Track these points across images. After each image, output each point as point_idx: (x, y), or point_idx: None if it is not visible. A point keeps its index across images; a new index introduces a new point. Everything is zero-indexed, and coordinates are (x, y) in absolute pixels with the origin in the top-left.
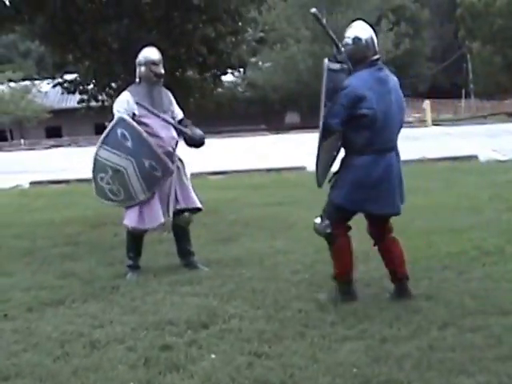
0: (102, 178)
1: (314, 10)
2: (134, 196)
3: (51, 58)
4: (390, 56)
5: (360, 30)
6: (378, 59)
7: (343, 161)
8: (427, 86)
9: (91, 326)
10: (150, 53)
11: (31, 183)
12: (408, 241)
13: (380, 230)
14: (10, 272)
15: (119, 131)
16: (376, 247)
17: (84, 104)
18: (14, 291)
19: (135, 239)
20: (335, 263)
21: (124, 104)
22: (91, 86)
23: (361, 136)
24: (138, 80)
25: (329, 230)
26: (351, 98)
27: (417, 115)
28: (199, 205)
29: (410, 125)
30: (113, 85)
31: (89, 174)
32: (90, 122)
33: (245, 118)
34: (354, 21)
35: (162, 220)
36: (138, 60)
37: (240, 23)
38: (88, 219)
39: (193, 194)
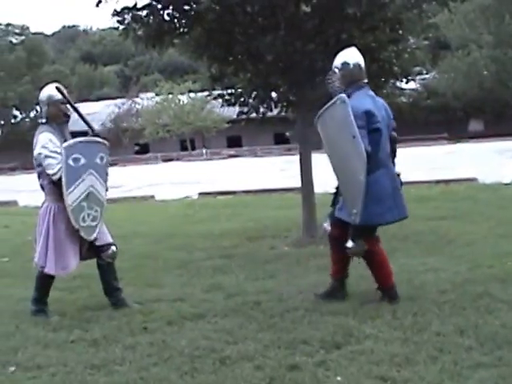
0: (83, 219)
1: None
2: (104, 202)
3: (209, 70)
4: None
5: (349, 55)
6: (367, 83)
7: None
8: None
9: (225, 341)
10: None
11: (200, 194)
12: None
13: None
14: (161, 284)
15: (70, 160)
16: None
17: (244, 116)
18: (160, 303)
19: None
20: (379, 275)
21: (48, 142)
22: (251, 98)
23: (370, 154)
24: (44, 120)
25: (366, 247)
26: (363, 116)
27: None
28: (112, 240)
29: None
30: (273, 96)
31: (257, 185)
32: (270, 131)
33: (426, 126)
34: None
35: (75, 266)
36: (41, 99)
37: (400, 31)
38: (247, 231)
39: (106, 230)
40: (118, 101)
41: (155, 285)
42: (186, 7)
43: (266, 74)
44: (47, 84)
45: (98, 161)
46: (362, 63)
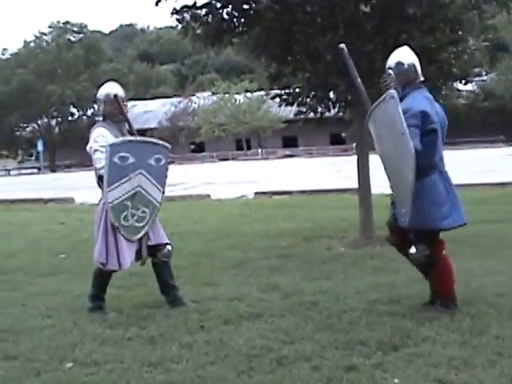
0: (125, 218)
1: (342, 45)
2: (156, 204)
3: (267, 69)
4: None
5: (403, 55)
6: (422, 82)
7: None
8: None
9: (282, 341)
10: (114, 89)
11: (255, 193)
12: None
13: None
14: (217, 283)
15: (116, 158)
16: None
17: (301, 116)
18: (216, 302)
19: (107, 278)
20: (441, 283)
21: (99, 137)
22: (309, 97)
23: (425, 156)
24: (101, 118)
25: (427, 252)
26: (419, 116)
27: None
28: (168, 240)
29: None
30: (331, 96)
31: (312, 185)
32: (326, 132)
33: (483, 128)
34: (397, 47)
35: (130, 263)
36: (99, 97)
37: (460, 32)
38: (303, 231)
39: (162, 230)
40: (175, 99)
41: (211, 283)
42: (246, 6)
43: (325, 73)
44: (105, 82)
45: (151, 162)
46: (417, 62)
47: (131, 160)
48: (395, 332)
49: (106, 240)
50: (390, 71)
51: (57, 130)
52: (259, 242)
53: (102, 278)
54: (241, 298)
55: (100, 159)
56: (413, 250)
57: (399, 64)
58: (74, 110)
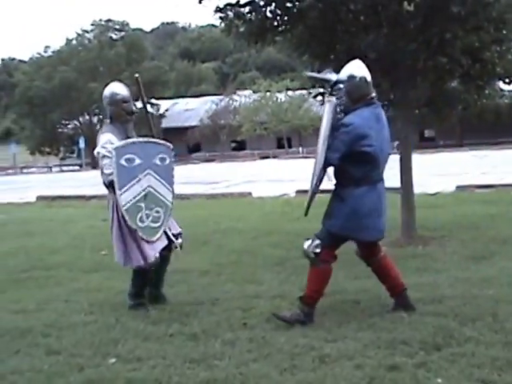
0: (141, 219)
1: (308, 73)
2: (168, 203)
3: (309, 68)
4: None
5: (355, 68)
6: (373, 97)
7: (338, 192)
8: None
9: (324, 340)
10: (119, 90)
11: (297, 192)
12: None
13: (370, 252)
14: (259, 280)
15: (123, 160)
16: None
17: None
18: (259, 300)
19: (145, 275)
20: (311, 285)
21: (107, 143)
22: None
23: (359, 169)
24: (109, 120)
25: (318, 250)
26: (353, 135)
27: None
28: (180, 229)
29: None
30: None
31: None
32: None
33: None
34: (348, 61)
35: (154, 255)
36: (105, 98)
37: (504, 31)
38: None
39: (174, 220)
40: (216, 97)
41: (254, 281)
42: (289, 4)
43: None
44: (108, 83)
45: (157, 162)
46: (369, 77)
47: (138, 161)
48: (438, 332)
49: (123, 240)
50: (341, 85)
51: (98, 127)
52: (300, 241)
53: (140, 276)
54: (283, 295)
55: (109, 165)
56: (308, 242)
57: (351, 77)
58: None
